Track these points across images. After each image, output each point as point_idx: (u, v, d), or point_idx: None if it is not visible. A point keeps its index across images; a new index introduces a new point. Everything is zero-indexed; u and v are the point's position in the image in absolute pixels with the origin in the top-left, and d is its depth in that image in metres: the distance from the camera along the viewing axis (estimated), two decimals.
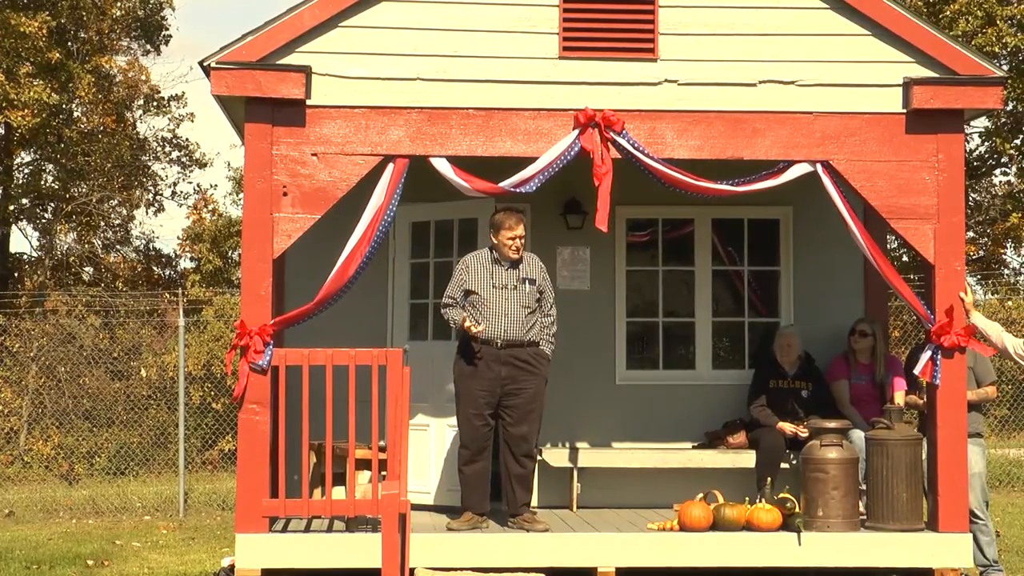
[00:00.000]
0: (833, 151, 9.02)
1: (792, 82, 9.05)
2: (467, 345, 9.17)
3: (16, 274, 27.57)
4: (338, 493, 9.21)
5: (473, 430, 9.13)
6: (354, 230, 8.74)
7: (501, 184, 8.86)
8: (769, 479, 9.35)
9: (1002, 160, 26.57)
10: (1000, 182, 28.39)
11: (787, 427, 9.99)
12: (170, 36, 28.68)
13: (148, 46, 28.54)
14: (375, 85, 8.89)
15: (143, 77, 28.14)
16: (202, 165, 29.63)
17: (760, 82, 9.05)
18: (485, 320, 9.09)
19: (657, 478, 10.35)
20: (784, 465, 9.92)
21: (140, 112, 28.58)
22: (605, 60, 9.02)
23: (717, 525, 8.90)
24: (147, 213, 29.33)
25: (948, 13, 23.40)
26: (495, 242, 9.21)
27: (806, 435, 9.57)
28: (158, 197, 29.36)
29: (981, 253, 27.12)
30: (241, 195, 26.47)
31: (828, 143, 9.02)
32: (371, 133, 8.86)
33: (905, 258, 24.57)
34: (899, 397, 10.18)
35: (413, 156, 8.90)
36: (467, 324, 9.01)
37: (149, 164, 29.00)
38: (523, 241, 9.22)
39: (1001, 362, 10.86)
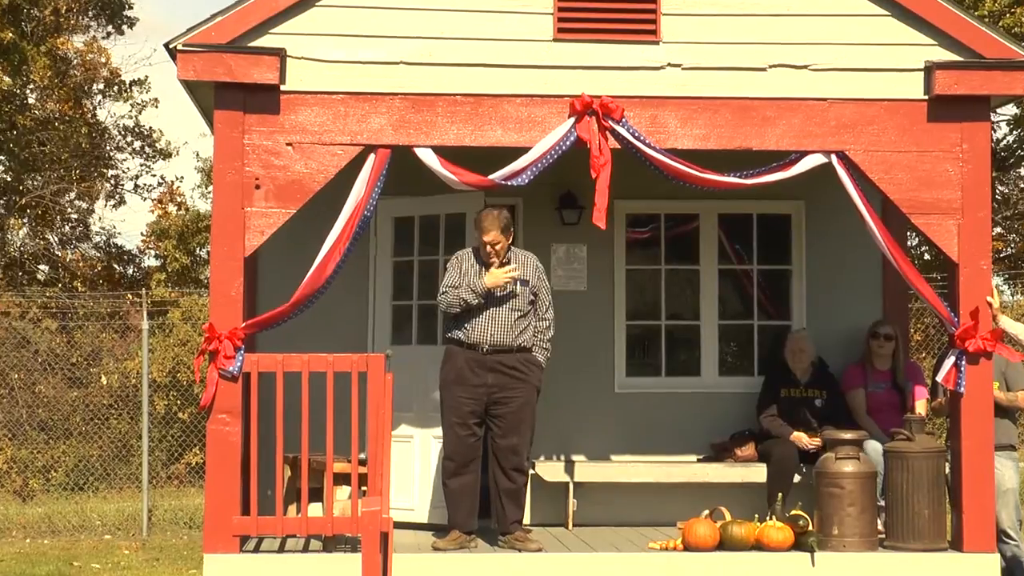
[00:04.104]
0: (849, 141, 9.05)
1: (805, 66, 9.08)
2: (452, 349, 9.19)
3: None
4: (315, 510, 9.21)
5: (458, 440, 9.14)
6: (333, 226, 8.75)
7: (491, 176, 8.88)
8: (780, 494, 9.37)
9: None
10: None
11: (802, 437, 10.01)
12: (135, 20, 28.64)
13: (109, 27, 28.51)
14: (355, 69, 8.90)
15: (102, 60, 28.09)
16: (167, 155, 29.59)
17: (770, 66, 9.08)
18: (470, 324, 9.10)
19: (659, 494, 10.37)
20: (797, 479, 9.95)
21: (100, 98, 28.55)
22: (603, 43, 9.04)
23: (724, 544, 8.92)
24: (107, 207, 29.31)
25: None
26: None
27: (820, 446, 9.62)
28: (119, 189, 29.33)
29: (1010, 250, 27.16)
30: (210, 188, 26.43)
31: (843, 132, 9.05)
32: (351, 121, 8.87)
33: (927, 256, 24.61)
34: (920, 406, 10.21)
35: (396, 146, 8.91)
36: (497, 276, 9.00)
37: (110, 154, 28.97)
38: (501, 247, 9.18)
39: None
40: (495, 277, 9.04)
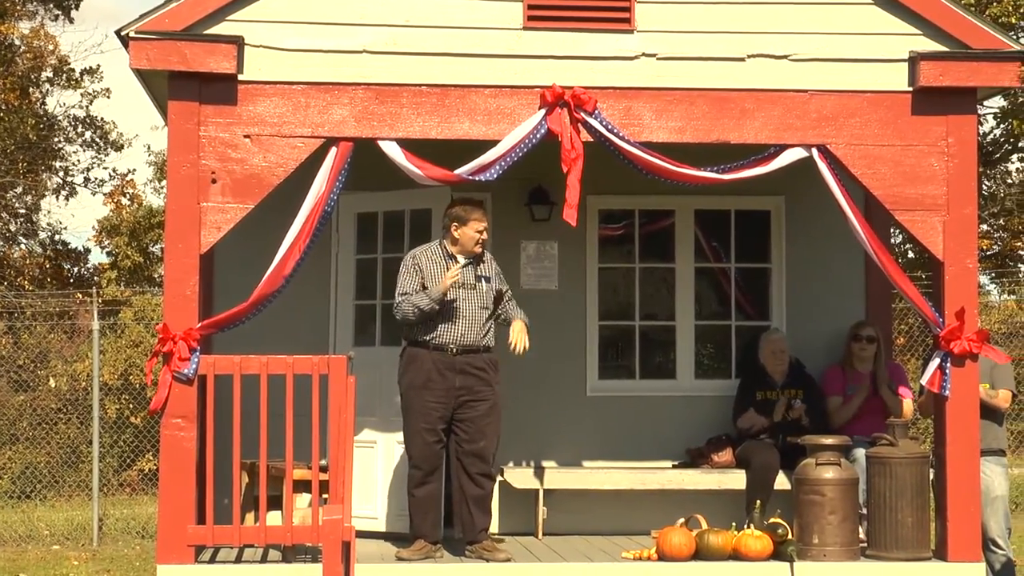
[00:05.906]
0: (830, 134, 9.08)
1: (785, 56, 9.10)
2: (417, 352, 9.19)
3: None
4: (273, 519, 9.19)
5: (425, 447, 9.14)
6: (292, 222, 8.74)
7: (458, 171, 8.87)
8: (759, 502, 9.40)
9: (1019, 144, 26.75)
10: (1017, 169, 28.59)
11: (780, 408, 10.14)
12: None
13: (57, 11, 28.37)
14: (316, 58, 8.89)
15: (50, 47, 27.97)
16: (119, 147, 29.49)
17: (749, 56, 9.10)
18: (438, 325, 9.11)
19: (633, 501, 10.39)
20: (776, 486, 9.98)
21: (48, 87, 28.41)
22: (575, 31, 9.04)
23: (700, 554, 8.94)
24: (56, 201, 29.19)
25: None
26: (455, 236, 9.23)
27: (797, 414, 10.00)
28: (68, 183, 29.21)
29: (996, 248, 27.32)
30: (163, 183, 26.34)
31: (825, 125, 9.08)
32: (311, 113, 8.86)
33: (911, 254, 24.75)
34: (906, 407, 10.26)
35: (359, 139, 8.90)
36: (453, 274, 9.07)
37: (58, 146, 28.84)
38: (488, 236, 9.27)
39: (1020, 369, 10.94)
40: (452, 277, 9.06)
